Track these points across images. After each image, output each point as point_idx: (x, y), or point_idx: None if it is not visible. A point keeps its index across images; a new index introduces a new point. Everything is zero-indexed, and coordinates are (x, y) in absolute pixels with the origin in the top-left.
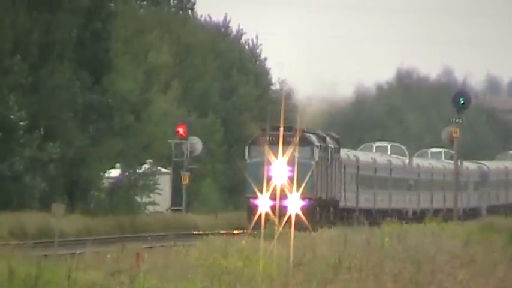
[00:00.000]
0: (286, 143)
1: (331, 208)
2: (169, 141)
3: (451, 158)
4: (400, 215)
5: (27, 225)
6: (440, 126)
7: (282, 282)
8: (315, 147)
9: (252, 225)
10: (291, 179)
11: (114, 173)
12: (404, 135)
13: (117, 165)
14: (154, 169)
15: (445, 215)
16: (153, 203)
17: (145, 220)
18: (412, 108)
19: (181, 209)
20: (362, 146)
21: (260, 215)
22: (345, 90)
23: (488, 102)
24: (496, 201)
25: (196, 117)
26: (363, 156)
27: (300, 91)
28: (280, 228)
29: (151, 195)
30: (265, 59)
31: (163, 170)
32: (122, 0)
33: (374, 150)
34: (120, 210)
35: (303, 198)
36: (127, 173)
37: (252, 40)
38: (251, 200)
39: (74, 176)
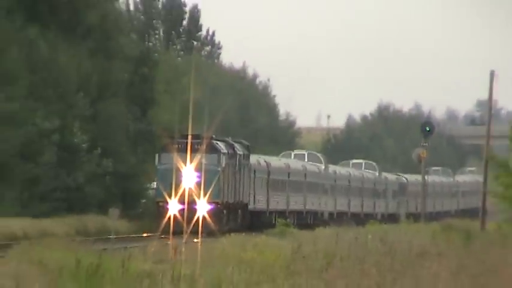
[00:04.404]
0: (194, 150)
1: (240, 211)
2: None
3: (371, 168)
4: (316, 217)
5: (89, 225)
6: (411, 149)
7: (288, 267)
8: (221, 155)
9: (161, 228)
10: (198, 184)
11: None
12: (383, 156)
13: None
14: None
15: (364, 218)
16: None
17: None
18: (389, 135)
19: None
20: (282, 153)
21: (169, 218)
22: (337, 121)
23: (448, 130)
24: (414, 209)
25: None
26: (275, 162)
27: (301, 121)
28: (189, 231)
29: None
30: (275, 96)
31: None
32: (163, 51)
33: (292, 157)
34: None
35: (209, 203)
36: None
37: (265, 81)
38: (160, 204)
39: (126, 187)
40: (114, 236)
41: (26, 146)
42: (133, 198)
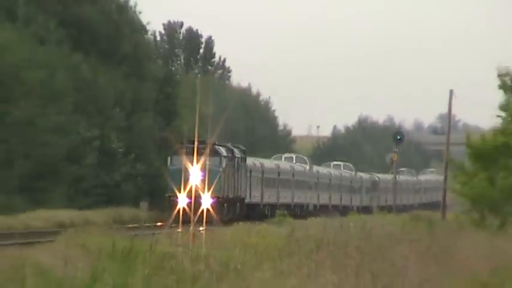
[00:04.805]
0: (199, 154)
1: (238, 204)
2: None
3: (349, 169)
4: (302, 209)
5: (124, 215)
6: (385, 153)
7: (285, 250)
8: (222, 157)
9: (172, 218)
10: (203, 181)
11: None
12: (362, 159)
13: None
14: None
15: (342, 210)
16: None
17: None
18: (367, 142)
19: None
20: (273, 156)
21: (179, 210)
22: (325, 130)
23: (415, 138)
24: (384, 203)
25: None
26: (268, 163)
27: (296, 130)
28: (195, 221)
29: None
30: (274, 110)
31: None
32: (183, 74)
33: (283, 159)
34: None
35: (212, 197)
36: None
37: (267, 98)
38: (171, 199)
39: (153, 185)
40: (144, 224)
41: (72, 151)
42: (159, 194)
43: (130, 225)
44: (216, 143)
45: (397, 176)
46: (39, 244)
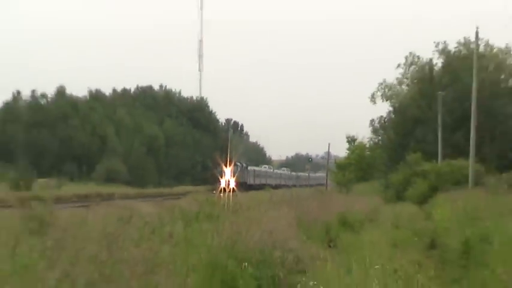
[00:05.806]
0: (230, 165)
1: (244, 184)
2: None
3: (289, 170)
4: (271, 186)
5: (210, 188)
6: (305, 165)
7: (269, 201)
8: (238, 166)
9: (218, 189)
10: (230, 176)
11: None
12: (296, 168)
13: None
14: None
15: (287, 187)
16: None
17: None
18: (298, 162)
19: None
20: (260, 165)
21: (221, 188)
22: (283, 157)
23: (316, 160)
24: (303, 183)
25: None
26: (257, 168)
27: (273, 157)
28: (227, 190)
29: None
30: (265, 149)
31: None
32: (232, 137)
33: (262, 167)
34: None
35: (235, 182)
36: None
37: (263, 144)
38: (219, 182)
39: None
40: (213, 192)
41: (193, 165)
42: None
43: (212, 192)
44: (236, 161)
45: (308, 174)
46: (179, 198)
